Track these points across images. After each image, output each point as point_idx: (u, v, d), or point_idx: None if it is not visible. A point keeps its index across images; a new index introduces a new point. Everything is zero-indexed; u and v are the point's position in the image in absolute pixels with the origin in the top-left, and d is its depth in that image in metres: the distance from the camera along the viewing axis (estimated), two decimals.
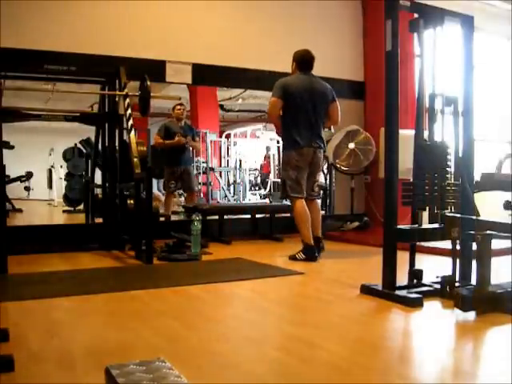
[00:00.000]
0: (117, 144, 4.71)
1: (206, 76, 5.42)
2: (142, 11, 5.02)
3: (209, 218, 5.25)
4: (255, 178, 11.68)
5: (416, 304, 2.51)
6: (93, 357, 1.82)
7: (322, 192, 4.23)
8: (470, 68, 2.96)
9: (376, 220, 5.52)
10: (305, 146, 4.00)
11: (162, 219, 5.68)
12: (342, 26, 6.17)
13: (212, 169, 9.40)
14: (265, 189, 11.08)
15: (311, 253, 3.95)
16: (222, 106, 11.08)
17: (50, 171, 11.76)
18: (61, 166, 10.66)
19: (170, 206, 6.17)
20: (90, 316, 2.45)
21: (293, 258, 3.99)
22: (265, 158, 11.93)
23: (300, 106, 3.99)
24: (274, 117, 4.11)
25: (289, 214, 6.00)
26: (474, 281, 2.54)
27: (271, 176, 11.11)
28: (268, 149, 11.33)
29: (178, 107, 6.18)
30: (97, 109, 5.07)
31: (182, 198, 7.84)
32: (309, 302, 2.90)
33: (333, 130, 5.69)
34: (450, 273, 2.58)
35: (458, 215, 2.67)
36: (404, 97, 4.16)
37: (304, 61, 4.12)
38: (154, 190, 6.85)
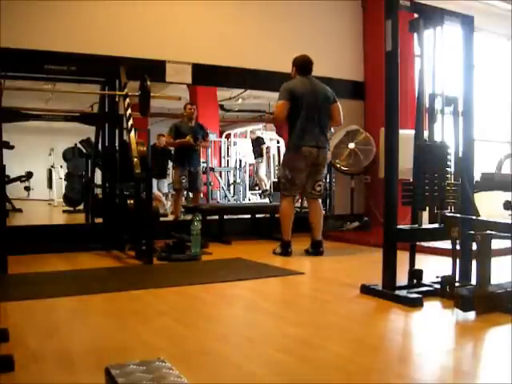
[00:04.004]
0: (117, 144, 4.71)
1: (206, 76, 5.42)
2: (142, 11, 5.02)
3: (209, 217, 5.25)
4: (254, 179, 11.65)
5: (416, 304, 2.51)
6: (93, 357, 1.82)
7: (324, 192, 4.28)
8: (470, 68, 2.96)
9: (376, 220, 5.51)
10: (308, 146, 4.09)
11: (166, 219, 5.71)
12: (342, 26, 6.17)
13: (212, 169, 9.39)
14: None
15: (286, 248, 4.21)
16: (221, 106, 11.06)
17: (49, 171, 11.75)
18: (61, 166, 10.65)
19: (179, 206, 6.17)
20: (90, 316, 2.45)
21: (273, 252, 4.28)
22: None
23: (306, 107, 4.09)
24: (282, 118, 4.19)
25: None
26: (474, 281, 2.54)
27: (271, 176, 11.09)
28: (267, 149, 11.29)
29: (189, 106, 6.18)
30: (97, 109, 5.07)
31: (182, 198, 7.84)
32: (309, 301, 2.90)
33: (332, 130, 5.68)
34: (450, 273, 2.58)
35: (458, 215, 2.67)
36: (404, 97, 4.16)
37: (304, 65, 4.25)
38: (154, 189, 6.86)
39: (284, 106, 4.09)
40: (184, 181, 6.13)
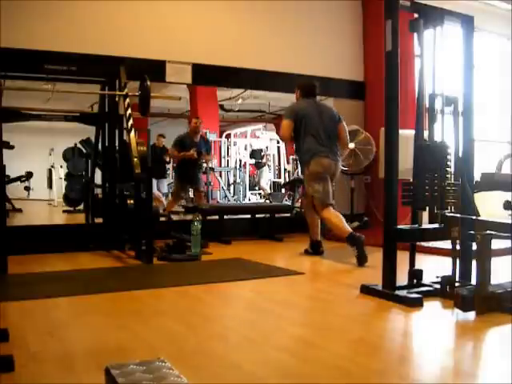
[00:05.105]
0: (117, 144, 4.71)
1: (206, 76, 5.42)
2: (143, 11, 5.01)
3: (209, 217, 5.25)
4: (254, 178, 11.68)
5: (416, 304, 2.51)
6: (93, 357, 1.82)
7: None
8: (469, 68, 2.96)
9: (376, 220, 5.51)
10: (325, 157, 4.07)
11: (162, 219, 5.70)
12: (342, 26, 6.16)
13: (212, 169, 9.38)
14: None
15: (317, 248, 4.26)
16: (222, 106, 11.07)
17: (50, 171, 11.75)
18: (61, 166, 10.65)
19: (172, 208, 6.23)
20: (90, 316, 2.45)
21: (305, 251, 4.26)
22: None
23: (313, 125, 4.11)
24: (287, 137, 4.25)
25: (289, 214, 6.03)
26: (474, 281, 2.54)
27: (271, 176, 11.11)
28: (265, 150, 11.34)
29: (194, 121, 6.23)
30: (97, 109, 5.07)
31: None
32: (309, 301, 2.90)
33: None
34: (450, 273, 2.58)
35: (458, 215, 2.67)
36: (404, 97, 4.16)
37: (308, 88, 4.32)
38: (154, 189, 6.86)
39: (288, 125, 4.14)
40: (183, 195, 6.27)
